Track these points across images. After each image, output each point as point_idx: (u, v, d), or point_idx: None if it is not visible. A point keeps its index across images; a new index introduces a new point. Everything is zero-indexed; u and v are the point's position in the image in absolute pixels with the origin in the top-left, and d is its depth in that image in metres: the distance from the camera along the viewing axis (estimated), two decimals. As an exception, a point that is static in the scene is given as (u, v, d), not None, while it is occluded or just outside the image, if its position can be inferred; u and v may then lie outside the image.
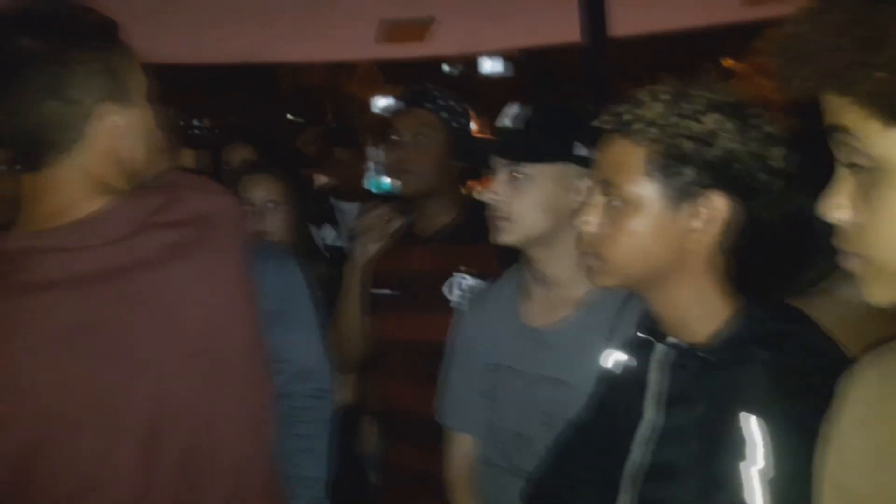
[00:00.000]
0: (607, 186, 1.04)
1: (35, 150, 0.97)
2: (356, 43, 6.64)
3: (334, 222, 3.39)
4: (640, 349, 1.11)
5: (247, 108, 14.47)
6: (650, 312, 1.09)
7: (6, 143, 1.00)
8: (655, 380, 1.05)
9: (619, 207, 1.02)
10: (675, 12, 6.94)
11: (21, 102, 0.94)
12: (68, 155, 1.00)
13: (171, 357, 0.97)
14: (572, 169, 1.36)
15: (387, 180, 2.20)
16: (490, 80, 17.69)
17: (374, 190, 3.81)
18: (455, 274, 1.89)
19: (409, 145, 1.97)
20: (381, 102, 18.11)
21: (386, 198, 3.43)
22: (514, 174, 1.37)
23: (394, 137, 2.02)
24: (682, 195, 0.99)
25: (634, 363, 1.11)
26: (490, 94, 13.82)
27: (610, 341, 1.26)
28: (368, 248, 2.05)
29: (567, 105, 1.48)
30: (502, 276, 1.56)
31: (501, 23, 6.47)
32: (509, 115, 1.41)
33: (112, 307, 0.95)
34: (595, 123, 1.07)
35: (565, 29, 6.01)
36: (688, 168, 0.98)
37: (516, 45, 8.78)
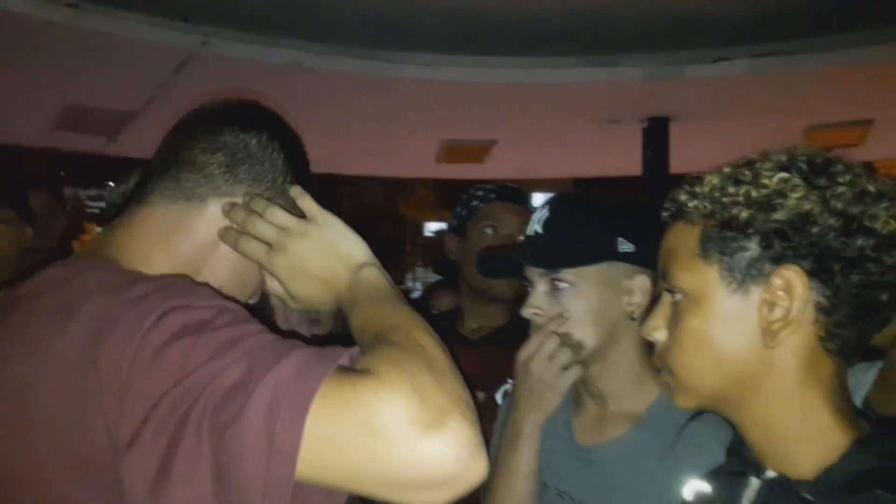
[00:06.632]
0: (665, 280, 0.87)
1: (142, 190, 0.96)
2: (417, 161, 6.80)
3: None
4: (730, 481, 0.95)
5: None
6: (742, 437, 0.94)
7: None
8: None
9: (679, 303, 0.85)
10: (741, 149, 7.00)
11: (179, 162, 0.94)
12: (152, 207, 0.95)
13: None
14: (619, 268, 1.20)
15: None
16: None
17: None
18: (510, 380, 1.76)
19: (508, 240, 1.81)
20: (434, 226, 18.48)
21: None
22: (555, 282, 1.21)
23: (487, 231, 1.86)
24: (749, 276, 0.80)
25: (722, 497, 0.96)
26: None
27: (665, 464, 1.10)
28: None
29: (603, 200, 1.30)
30: None
31: (562, 151, 6.57)
32: (539, 220, 1.24)
33: None
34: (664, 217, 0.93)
35: (627, 162, 6.09)
36: (750, 241, 0.80)
37: (575, 174, 8.89)
